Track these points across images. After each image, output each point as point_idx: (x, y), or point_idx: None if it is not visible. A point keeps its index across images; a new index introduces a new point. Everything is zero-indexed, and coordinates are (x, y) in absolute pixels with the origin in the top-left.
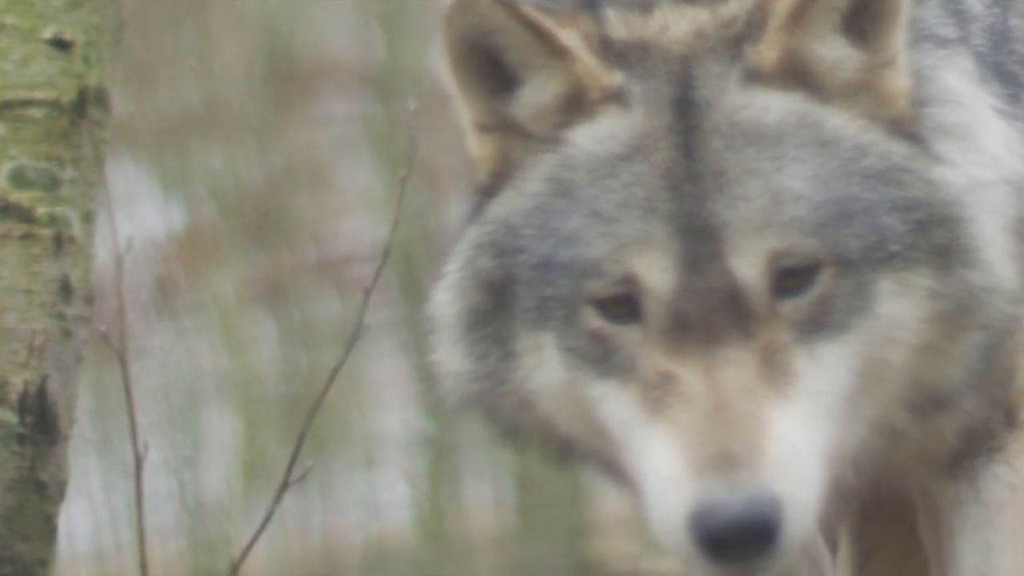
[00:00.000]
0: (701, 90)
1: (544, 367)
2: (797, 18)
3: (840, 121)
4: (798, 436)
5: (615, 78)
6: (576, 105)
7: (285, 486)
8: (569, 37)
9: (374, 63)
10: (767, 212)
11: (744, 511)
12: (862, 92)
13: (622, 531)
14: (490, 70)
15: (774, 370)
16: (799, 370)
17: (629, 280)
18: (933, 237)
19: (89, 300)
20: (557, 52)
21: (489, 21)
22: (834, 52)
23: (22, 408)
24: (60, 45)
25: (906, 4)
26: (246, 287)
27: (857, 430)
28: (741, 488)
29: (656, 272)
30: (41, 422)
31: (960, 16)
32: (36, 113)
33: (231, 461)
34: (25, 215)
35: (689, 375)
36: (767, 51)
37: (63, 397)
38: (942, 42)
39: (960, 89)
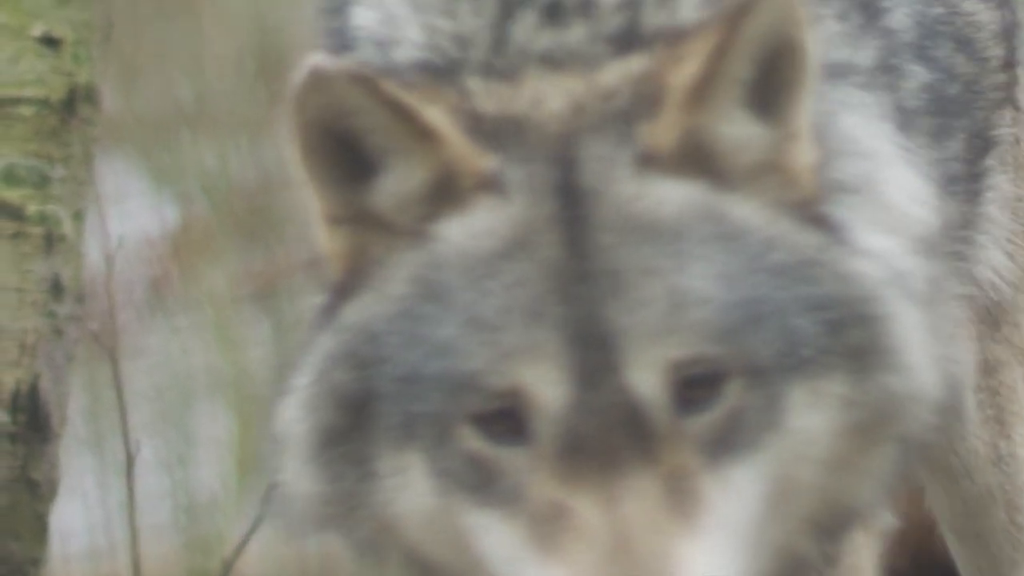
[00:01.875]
0: (587, 176)
1: (410, 491)
2: (699, 93)
3: (746, 211)
4: (713, 575)
5: (489, 162)
6: (445, 194)
7: (278, 484)
8: (435, 116)
9: None
10: (668, 317)
11: None
12: (767, 174)
13: None
14: (345, 155)
15: (681, 500)
16: (708, 498)
17: (514, 394)
18: (848, 338)
19: (80, 299)
20: (422, 134)
21: (345, 101)
22: (739, 130)
23: (14, 407)
24: (50, 43)
25: (813, 68)
26: (239, 284)
27: (760, 561)
28: None
29: (546, 385)
30: (33, 421)
31: (865, 27)
32: (26, 111)
33: (224, 458)
34: (15, 213)
35: (586, 508)
36: (664, 133)
37: (55, 396)
38: (838, 71)
39: (859, 134)
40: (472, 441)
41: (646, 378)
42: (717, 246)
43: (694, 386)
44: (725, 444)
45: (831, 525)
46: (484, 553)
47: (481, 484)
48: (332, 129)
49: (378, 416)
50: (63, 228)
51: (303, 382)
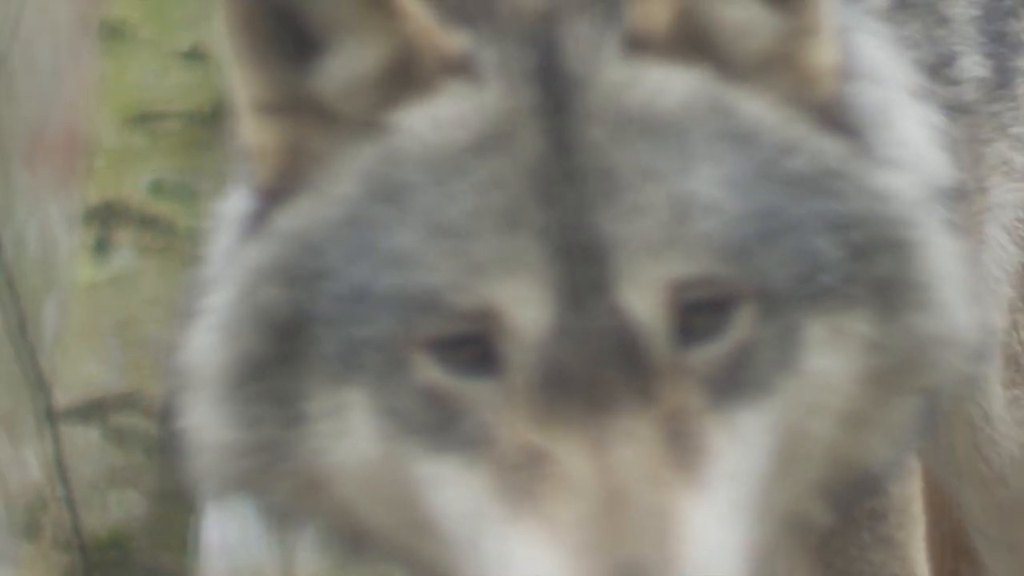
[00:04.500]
0: (570, 60)
1: (349, 436)
2: None
3: (757, 108)
4: (717, 537)
5: (457, 41)
6: (405, 78)
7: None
8: None
9: None
10: (669, 227)
11: None
12: (780, 68)
13: None
14: (282, 29)
15: (681, 446)
16: (712, 446)
17: (484, 316)
18: (874, 267)
19: None
20: (378, 5)
21: None
22: (743, 14)
23: (163, 417)
24: (195, 57)
25: None
26: None
27: (767, 526)
28: None
29: (523, 305)
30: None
31: None
32: (172, 125)
33: None
34: (166, 227)
35: (568, 454)
36: (655, 13)
37: None
38: None
39: (877, 60)
40: (429, 372)
41: (642, 299)
42: (725, 146)
43: (698, 312)
44: (732, 384)
45: (844, 488)
46: (438, 511)
47: (438, 426)
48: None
49: (313, 344)
50: None
51: (220, 301)
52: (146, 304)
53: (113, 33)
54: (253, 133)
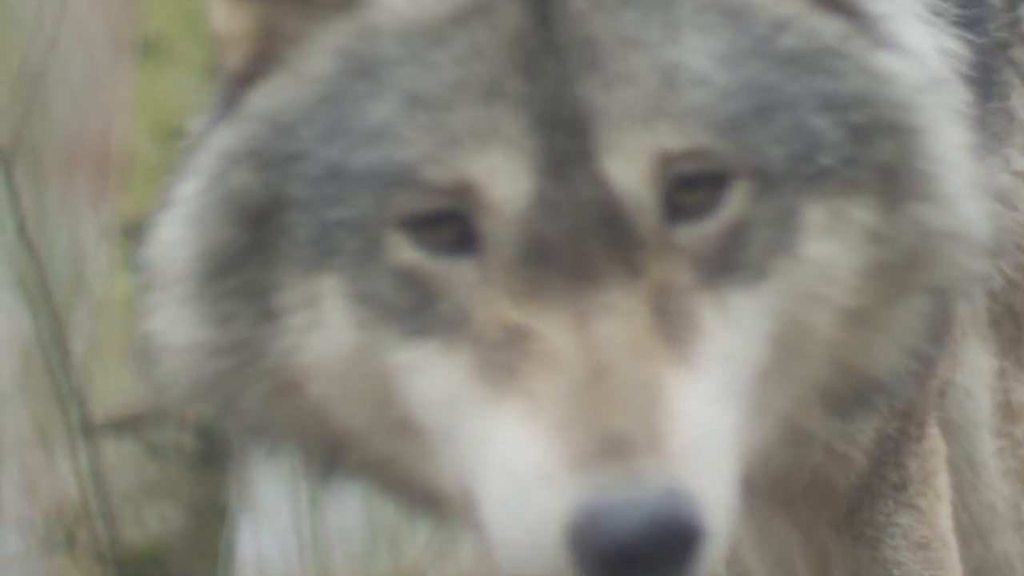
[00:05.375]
0: None
1: (324, 329)
2: None
3: None
4: (708, 416)
5: None
6: None
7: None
8: None
9: None
10: (657, 97)
11: (657, 510)
12: None
13: None
14: None
15: (671, 322)
16: (704, 325)
17: (462, 190)
18: (876, 151)
19: None
20: None
21: None
22: None
23: (201, 432)
24: None
25: None
26: None
27: (763, 427)
28: (647, 480)
29: (503, 177)
30: (219, 445)
31: None
32: None
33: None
34: None
35: (551, 329)
36: None
37: None
38: None
39: None
40: (405, 252)
41: (627, 169)
42: (714, 18)
43: (688, 188)
44: (725, 264)
45: (847, 396)
46: (416, 401)
47: (414, 310)
48: None
49: (285, 230)
50: None
51: (188, 190)
52: None
53: (149, 49)
54: (225, 19)
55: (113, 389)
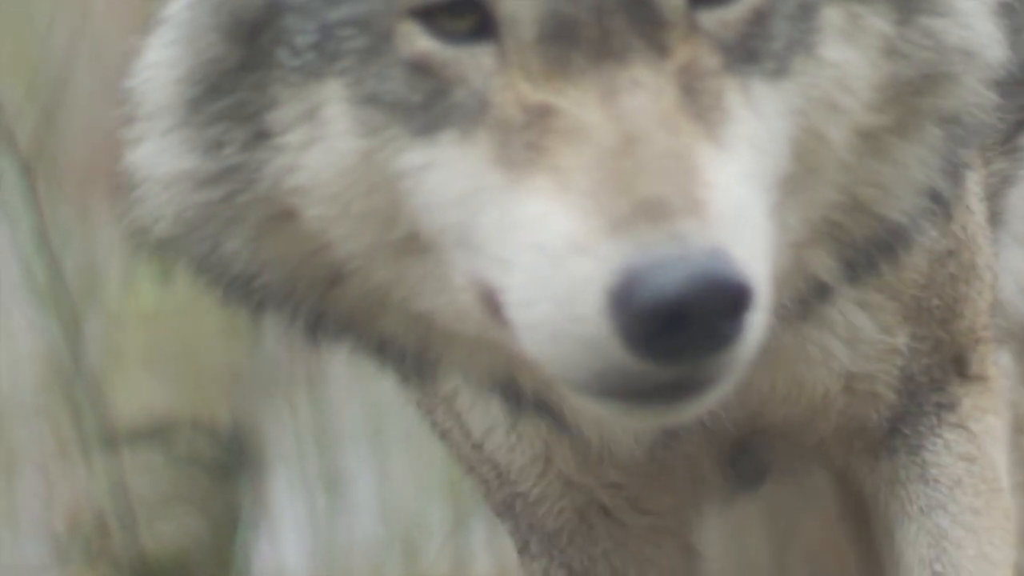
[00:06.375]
0: None
1: (324, 141)
2: None
3: None
4: (742, 191)
5: None
6: None
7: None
8: None
9: None
10: None
11: (705, 267)
12: None
13: None
14: None
15: (699, 102)
16: (732, 108)
17: None
18: None
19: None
20: None
21: None
22: None
23: (224, 441)
24: None
25: None
26: None
27: (781, 242)
28: (691, 240)
29: None
30: (240, 454)
31: None
32: None
33: None
34: None
35: (575, 105)
36: None
37: (256, 428)
38: None
39: None
40: (419, 42)
41: None
42: None
43: None
44: (749, 52)
45: (858, 238)
46: (428, 202)
47: (426, 103)
48: None
49: (283, 39)
50: None
51: (179, 5)
52: (210, 331)
53: None
54: None
55: (139, 401)
